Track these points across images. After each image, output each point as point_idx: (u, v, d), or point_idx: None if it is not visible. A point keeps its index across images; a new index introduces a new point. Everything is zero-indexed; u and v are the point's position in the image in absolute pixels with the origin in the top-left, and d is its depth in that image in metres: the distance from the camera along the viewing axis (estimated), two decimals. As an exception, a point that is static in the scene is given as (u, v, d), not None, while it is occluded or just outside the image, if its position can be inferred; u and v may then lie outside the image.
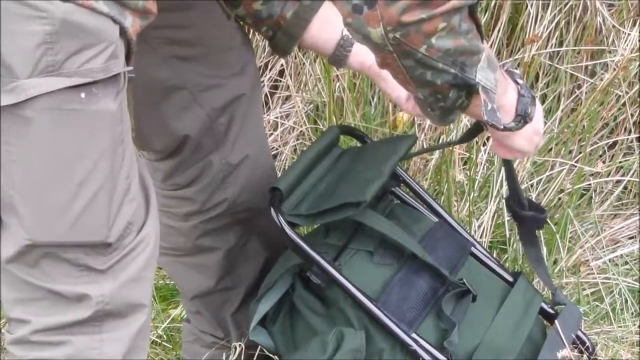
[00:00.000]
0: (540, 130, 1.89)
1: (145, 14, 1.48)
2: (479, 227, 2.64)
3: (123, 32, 1.45)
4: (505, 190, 2.64)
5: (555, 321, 2.04)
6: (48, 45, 1.38)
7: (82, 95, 1.41)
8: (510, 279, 2.10)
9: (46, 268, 1.47)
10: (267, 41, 1.96)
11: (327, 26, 1.94)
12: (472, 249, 2.11)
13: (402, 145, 2.03)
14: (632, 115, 2.93)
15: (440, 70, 1.60)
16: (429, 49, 1.56)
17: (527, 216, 2.10)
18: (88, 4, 1.40)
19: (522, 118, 1.79)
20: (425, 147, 2.78)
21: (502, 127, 1.74)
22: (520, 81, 1.80)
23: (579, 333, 2.10)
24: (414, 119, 2.79)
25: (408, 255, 1.94)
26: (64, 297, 1.48)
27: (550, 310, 2.10)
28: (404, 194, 2.15)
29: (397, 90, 1.98)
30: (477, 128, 1.98)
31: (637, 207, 2.87)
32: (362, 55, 1.97)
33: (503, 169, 2.11)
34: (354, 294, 1.87)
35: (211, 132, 1.95)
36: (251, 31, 2.83)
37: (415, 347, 1.86)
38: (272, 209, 1.88)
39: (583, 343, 2.09)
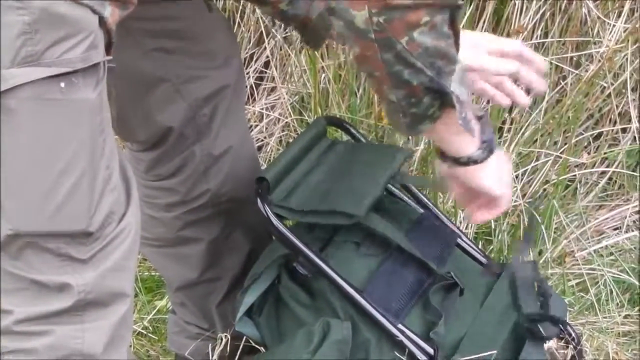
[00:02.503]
0: (509, 182, 1.88)
1: (124, 4, 1.48)
2: (465, 218, 2.64)
3: (102, 22, 1.44)
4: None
5: (541, 312, 2.04)
6: (27, 36, 1.38)
7: (62, 84, 1.40)
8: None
9: (29, 258, 1.46)
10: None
11: None
12: (458, 240, 2.11)
13: (398, 157, 2.02)
14: (617, 106, 2.93)
15: (418, 69, 1.61)
16: (409, 41, 1.57)
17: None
18: None
19: (488, 146, 1.80)
20: (413, 149, 2.72)
21: (475, 136, 1.75)
22: (481, 113, 1.81)
23: (565, 324, 2.10)
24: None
25: (395, 247, 1.94)
26: (45, 287, 1.48)
27: (536, 302, 2.10)
28: (391, 185, 2.14)
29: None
30: None
31: (622, 198, 2.87)
32: None
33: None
34: (340, 284, 1.87)
35: (193, 123, 1.95)
36: (236, 23, 2.83)
37: (401, 337, 1.85)
38: (258, 199, 1.88)
39: (569, 334, 2.09)
